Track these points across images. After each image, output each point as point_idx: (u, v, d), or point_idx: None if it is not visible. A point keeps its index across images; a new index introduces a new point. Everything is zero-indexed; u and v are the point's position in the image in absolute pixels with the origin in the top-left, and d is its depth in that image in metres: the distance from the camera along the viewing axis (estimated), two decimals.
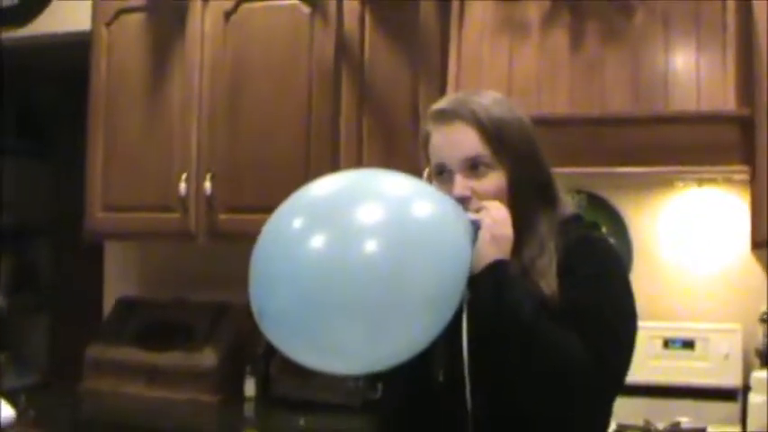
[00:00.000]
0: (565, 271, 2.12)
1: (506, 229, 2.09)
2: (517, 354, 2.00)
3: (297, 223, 1.89)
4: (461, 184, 2.16)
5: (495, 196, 2.16)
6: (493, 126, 2.17)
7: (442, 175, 2.21)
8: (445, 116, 2.21)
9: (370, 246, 1.82)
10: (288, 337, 1.89)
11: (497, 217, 2.09)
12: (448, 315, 1.96)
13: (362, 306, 1.80)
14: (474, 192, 2.16)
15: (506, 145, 2.17)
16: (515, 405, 2.07)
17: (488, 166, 2.17)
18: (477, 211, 2.10)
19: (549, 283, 2.10)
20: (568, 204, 2.30)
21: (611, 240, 3.90)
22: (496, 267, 2.04)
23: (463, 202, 2.15)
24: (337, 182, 2.02)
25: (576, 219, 2.29)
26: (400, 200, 1.95)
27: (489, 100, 2.22)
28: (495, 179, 2.17)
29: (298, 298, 1.82)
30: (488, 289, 2.03)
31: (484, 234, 2.05)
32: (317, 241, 1.83)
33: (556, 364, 2.00)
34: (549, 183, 2.26)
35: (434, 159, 2.23)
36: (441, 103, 2.27)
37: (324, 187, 2.01)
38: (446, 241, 1.96)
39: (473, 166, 2.17)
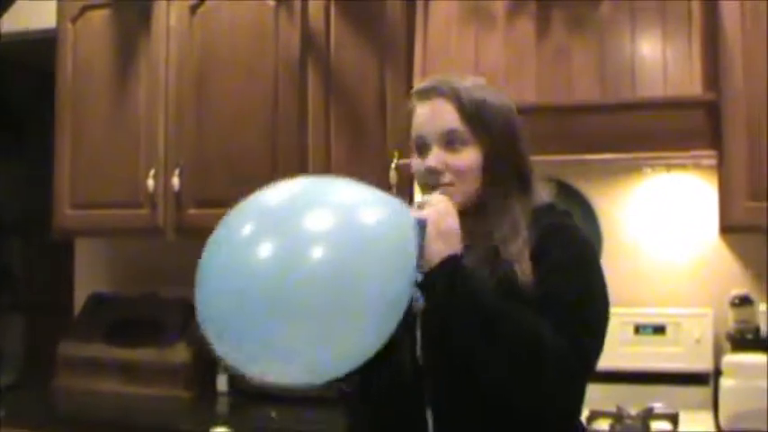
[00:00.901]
0: (537, 258, 2.14)
1: (452, 221, 2.10)
2: (482, 345, 2.01)
3: (243, 231, 1.88)
4: (436, 155, 2.24)
5: (469, 172, 2.23)
6: (471, 104, 2.24)
7: (420, 150, 2.27)
8: (427, 93, 2.29)
9: (314, 252, 1.81)
10: (232, 345, 1.86)
11: (442, 210, 2.09)
12: (397, 315, 1.96)
13: (309, 311, 1.79)
14: (447, 166, 2.23)
15: (483, 124, 2.24)
16: (479, 396, 2.08)
17: (464, 143, 2.23)
18: (422, 206, 2.10)
19: (522, 269, 2.12)
20: (544, 194, 2.33)
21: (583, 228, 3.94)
22: (447, 263, 2.04)
23: (435, 174, 2.23)
24: (284, 190, 1.99)
25: (549, 207, 2.31)
26: (343, 205, 1.93)
27: (471, 82, 2.31)
28: (469, 155, 2.23)
29: (241, 306, 1.80)
30: (442, 285, 2.03)
31: (430, 231, 2.05)
32: (262, 249, 1.82)
33: (523, 348, 2.01)
34: (526, 169, 2.30)
35: (415, 133, 2.30)
36: (424, 82, 2.35)
37: (270, 195, 1.99)
38: (389, 242, 1.94)
39: (449, 142, 2.24)
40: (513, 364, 2.02)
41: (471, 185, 2.24)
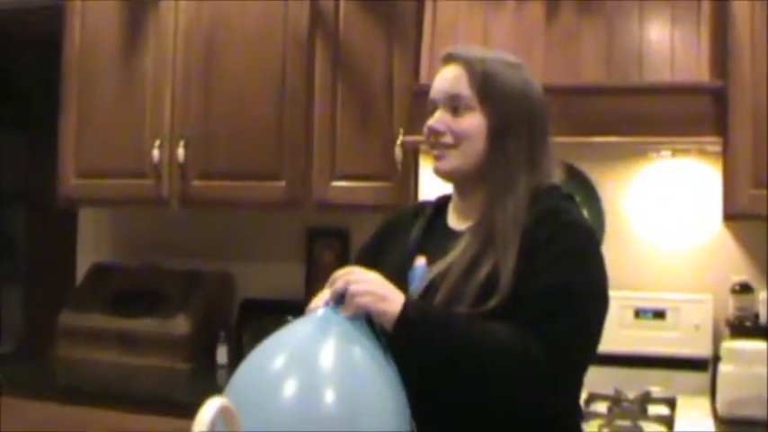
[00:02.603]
0: (534, 247, 2.13)
1: (370, 282, 2.06)
2: (453, 379, 2.05)
3: None
4: (439, 117, 2.29)
5: (469, 137, 2.25)
6: (482, 72, 2.26)
7: (431, 112, 2.32)
8: (447, 58, 2.34)
9: None
10: None
11: (355, 279, 2.05)
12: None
13: None
14: (449, 128, 2.27)
15: (491, 94, 2.25)
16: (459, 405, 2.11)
17: (468, 108, 2.26)
18: (340, 302, 2.03)
19: (507, 262, 2.12)
20: (554, 176, 2.33)
21: (584, 211, 3.95)
22: (399, 326, 2.02)
23: (435, 134, 2.28)
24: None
25: (552, 189, 2.30)
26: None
27: (493, 54, 2.35)
28: (471, 120, 2.26)
29: None
30: (403, 343, 2.03)
31: (364, 302, 2.01)
32: None
33: (494, 373, 2.02)
34: (537, 147, 2.29)
35: (429, 96, 2.34)
36: (447, 49, 2.38)
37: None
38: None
39: (454, 106, 2.27)
40: (486, 389, 2.05)
41: (471, 152, 2.26)
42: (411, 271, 2.27)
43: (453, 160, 2.27)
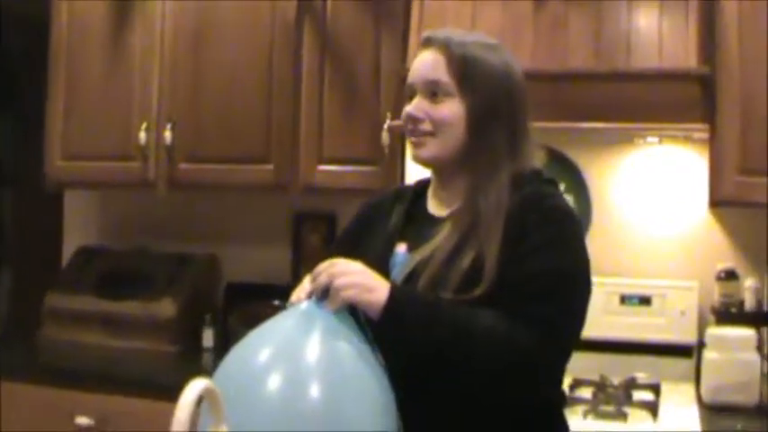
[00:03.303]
0: (518, 234, 2.12)
1: (354, 273, 2.03)
2: (441, 368, 2.04)
3: None
4: (417, 104, 2.27)
5: (448, 124, 2.23)
6: (462, 57, 2.24)
7: (409, 98, 2.29)
8: (425, 42, 2.31)
9: None
10: None
11: (338, 272, 2.02)
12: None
13: None
14: (428, 115, 2.24)
15: (470, 80, 2.23)
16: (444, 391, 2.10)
17: (447, 95, 2.23)
18: (325, 295, 2.01)
19: (491, 249, 2.11)
20: (534, 160, 2.32)
21: (569, 198, 3.96)
22: (385, 315, 2.00)
23: (414, 121, 2.25)
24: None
25: (535, 174, 2.29)
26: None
27: (472, 38, 2.31)
28: (450, 107, 2.23)
29: None
30: (390, 335, 2.01)
31: (350, 295, 1.99)
32: None
33: (482, 363, 2.02)
34: (518, 132, 2.28)
35: (407, 81, 2.31)
36: (425, 33, 2.35)
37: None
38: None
39: (433, 92, 2.24)
40: (473, 378, 2.04)
41: (451, 139, 2.23)
42: (392, 258, 2.25)
43: (433, 147, 2.25)
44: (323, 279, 2.00)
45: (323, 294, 1.99)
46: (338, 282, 1.99)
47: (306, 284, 2.08)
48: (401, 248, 2.26)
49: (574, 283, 2.14)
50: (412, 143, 2.29)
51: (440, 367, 2.03)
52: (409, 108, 2.26)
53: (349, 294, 1.98)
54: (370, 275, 2.04)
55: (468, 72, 2.23)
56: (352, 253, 2.15)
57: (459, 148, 2.24)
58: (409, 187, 2.49)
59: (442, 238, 2.19)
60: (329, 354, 1.89)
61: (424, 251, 2.19)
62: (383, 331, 2.00)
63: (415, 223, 2.34)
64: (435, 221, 2.28)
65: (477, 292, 2.07)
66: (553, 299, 2.06)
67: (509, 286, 2.07)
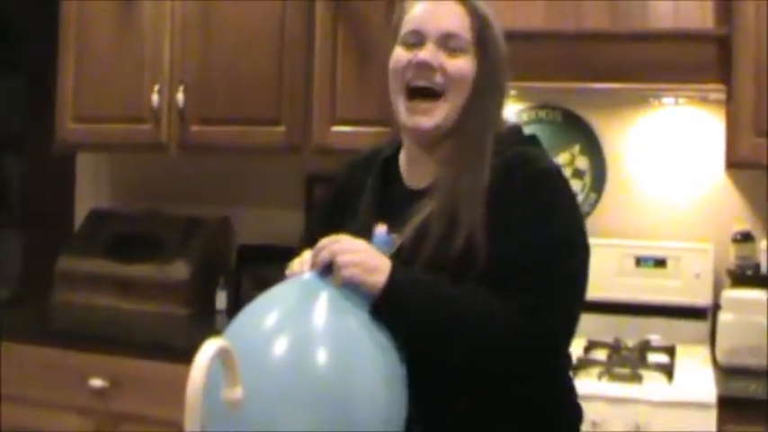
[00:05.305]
0: (505, 205, 2.03)
1: (358, 247, 1.98)
2: (442, 350, 1.97)
3: None
4: (433, 51, 2.10)
5: (462, 81, 2.11)
6: (481, 17, 2.13)
7: (410, 45, 2.14)
8: None
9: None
10: None
11: (341, 249, 1.95)
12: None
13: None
14: (441, 66, 2.10)
15: (487, 39, 2.13)
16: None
17: (463, 51, 2.11)
18: (331, 268, 1.95)
19: (480, 226, 2.02)
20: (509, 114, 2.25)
21: (584, 159, 3.93)
22: (385, 297, 1.94)
23: (428, 70, 2.10)
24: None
25: (514, 132, 2.22)
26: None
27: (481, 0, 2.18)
28: (465, 62, 2.11)
29: None
30: (389, 315, 1.93)
31: (352, 274, 1.93)
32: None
33: (483, 343, 1.97)
34: (505, 99, 2.22)
35: (410, 27, 2.15)
36: None
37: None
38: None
39: (448, 45, 2.11)
40: (475, 359, 1.99)
41: (458, 100, 2.11)
42: (372, 239, 2.05)
43: (440, 114, 2.12)
44: (325, 255, 1.94)
45: (325, 270, 1.95)
46: (341, 259, 1.93)
47: (304, 258, 2.02)
48: (381, 229, 2.07)
49: (569, 249, 2.06)
50: (412, 110, 2.13)
51: (441, 349, 1.97)
52: (424, 54, 2.10)
53: (351, 273, 1.92)
54: (372, 255, 1.97)
55: (486, 32, 2.13)
56: (332, 231, 2.05)
57: (458, 114, 2.13)
58: (378, 152, 2.35)
59: (428, 218, 2.08)
60: (336, 321, 1.88)
61: (409, 232, 2.08)
62: (383, 312, 1.93)
63: (393, 198, 2.22)
64: (414, 195, 2.17)
65: (473, 272, 2.00)
66: (549, 270, 2.00)
67: (504, 261, 1.99)
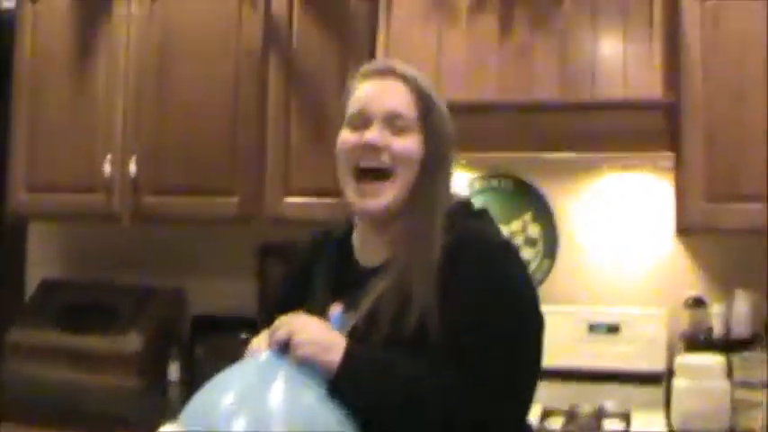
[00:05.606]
0: (456, 284, 2.01)
1: (313, 331, 1.95)
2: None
3: None
4: (379, 131, 2.09)
5: (409, 159, 2.09)
6: (423, 94, 2.13)
7: (355, 126, 2.13)
8: (382, 71, 2.16)
9: None
10: None
11: (298, 328, 1.94)
12: None
13: None
14: (388, 147, 2.08)
15: (431, 117, 2.12)
16: None
17: (409, 129, 2.10)
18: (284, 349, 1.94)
19: (432, 304, 1.99)
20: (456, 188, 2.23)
21: (536, 228, 3.96)
22: (340, 376, 1.92)
23: (374, 151, 2.08)
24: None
25: (464, 207, 2.21)
26: None
27: (421, 74, 2.17)
28: (412, 141, 2.09)
29: None
30: (347, 393, 1.91)
31: (308, 353, 1.92)
32: None
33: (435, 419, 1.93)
34: (452, 176, 2.20)
35: (356, 107, 2.14)
36: (376, 63, 2.25)
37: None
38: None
39: (395, 124, 2.09)
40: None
41: (407, 178, 2.10)
42: (328, 320, 2.03)
43: (389, 194, 2.10)
44: (282, 334, 1.94)
45: (282, 348, 1.94)
46: (297, 338, 1.92)
47: (264, 336, 2.01)
48: (336, 309, 2.04)
49: (523, 324, 2.03)
50: (360, 192, 2.12)
51: (396, 425, 1.93)
52: (370, 134, 2.09)
53: (306, 352, 1.91)
54: (328, 334, 1.95)
55: (429, 109, 2.13)
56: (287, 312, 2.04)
57: (409, 190, 2.11)
58: (330, 235, 2.34)
59: (381, 297, 2.06)
60: (293, 399, 1.87)
61: (363, 311, 2.06)
62: (339, 390, 1.91)
63: (346, 278, 2.19)
64: (368, 273, 2.14)
65: (428, 347, 1.97)
66: (503, 346, 1.97)
67: (457, 339, 1.97)
